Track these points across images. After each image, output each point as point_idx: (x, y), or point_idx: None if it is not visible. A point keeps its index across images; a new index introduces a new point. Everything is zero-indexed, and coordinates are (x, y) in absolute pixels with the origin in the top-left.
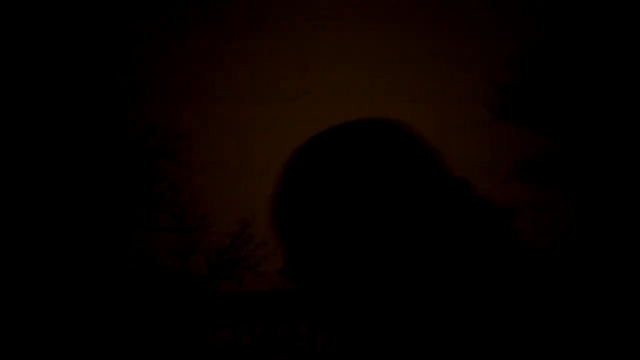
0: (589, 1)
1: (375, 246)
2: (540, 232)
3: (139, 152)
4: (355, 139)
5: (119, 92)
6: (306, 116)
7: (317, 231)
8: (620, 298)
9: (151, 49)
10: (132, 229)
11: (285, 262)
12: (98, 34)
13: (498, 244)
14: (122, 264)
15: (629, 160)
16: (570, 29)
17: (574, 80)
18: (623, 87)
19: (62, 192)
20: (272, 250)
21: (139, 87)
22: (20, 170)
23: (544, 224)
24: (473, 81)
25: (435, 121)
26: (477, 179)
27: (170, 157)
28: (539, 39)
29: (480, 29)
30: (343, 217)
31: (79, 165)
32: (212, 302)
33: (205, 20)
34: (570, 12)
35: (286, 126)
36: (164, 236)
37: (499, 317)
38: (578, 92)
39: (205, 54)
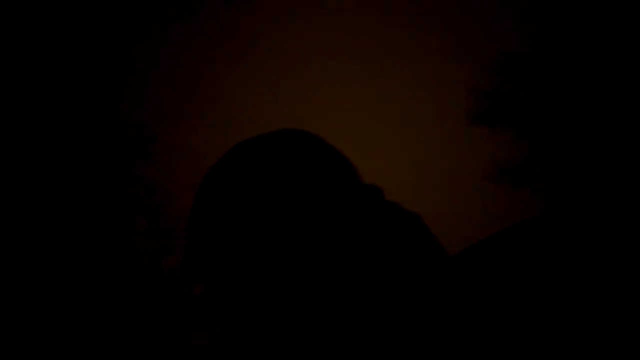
0: (563, 10)
1: (287, 255)
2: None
3: (113, 152)
4: (267, 152)
5: (98, 91)
6: (295, 118)
7: (232, 245)
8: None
9: (146, 50)
10: (106, 231)
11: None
12: (90, 33)
13: (412, 250)
14: (96, 266)
15: (600, 163)
16: (544, 36)
17: (547, 85)
18: (594, 93)
19: (35, 192)
20: None
21: (120, 86)
22: None
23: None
24: (449, 86)
25: (412, 124)
26: (452, 180)
27: (145, 157)
28: (514, 46)
29: (456, 35)
30: (257, 229)
31: (53, 166)
32: (188, 305)
33: (205, 23)
34: (544, 21)
35: (272, 128)
36: (138, 238)
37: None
38: (551, 97)
39: (194, 55)
